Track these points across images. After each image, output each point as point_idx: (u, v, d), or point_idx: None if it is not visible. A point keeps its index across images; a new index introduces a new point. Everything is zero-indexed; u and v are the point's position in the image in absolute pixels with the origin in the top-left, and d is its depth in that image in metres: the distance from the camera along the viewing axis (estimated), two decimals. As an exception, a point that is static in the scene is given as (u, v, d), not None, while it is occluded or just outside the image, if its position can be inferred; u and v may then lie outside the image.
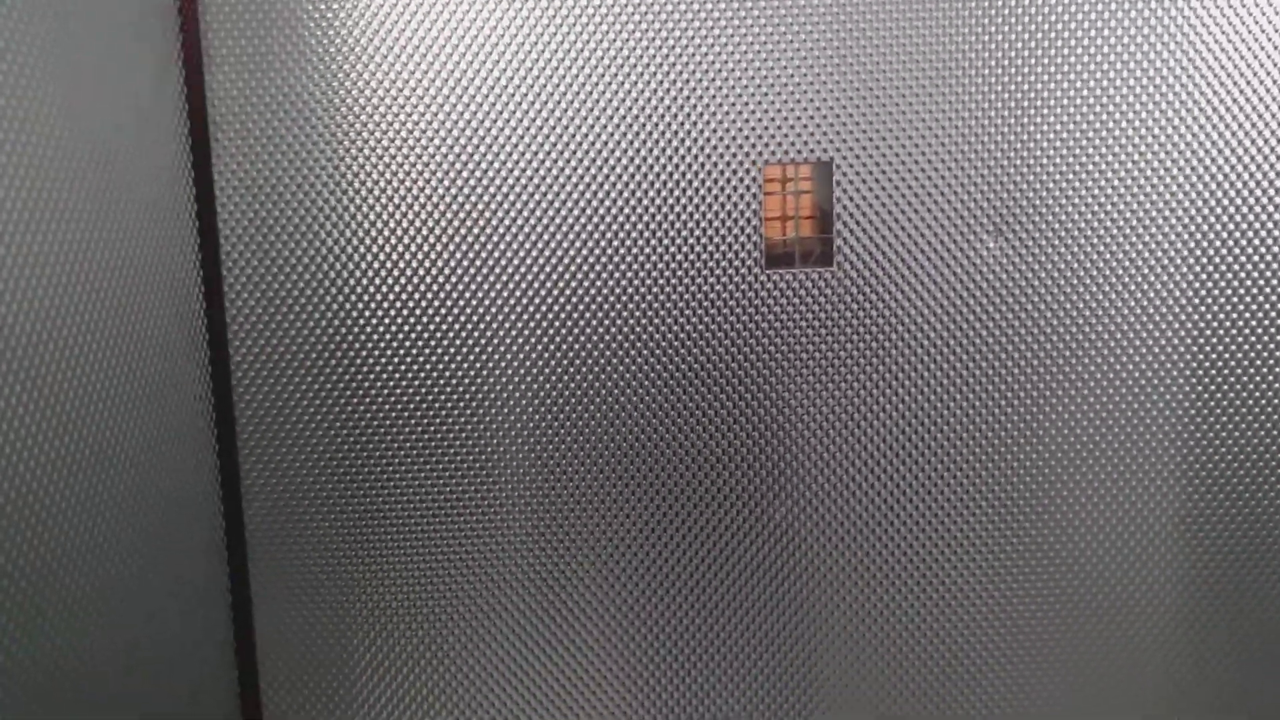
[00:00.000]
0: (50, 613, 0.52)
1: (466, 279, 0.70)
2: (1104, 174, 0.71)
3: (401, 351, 0.71)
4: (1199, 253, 0.72)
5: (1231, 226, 0.72)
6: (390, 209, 0.69)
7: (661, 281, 0.71)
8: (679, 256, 0.71)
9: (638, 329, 0.72)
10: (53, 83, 0.54)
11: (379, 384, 0.71)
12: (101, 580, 0.56)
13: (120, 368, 0.59)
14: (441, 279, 0.70)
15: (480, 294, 0.71)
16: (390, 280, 0.70)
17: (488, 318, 0.71)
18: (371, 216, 0.69)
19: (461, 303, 0.71)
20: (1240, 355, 0.73)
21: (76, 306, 0.55)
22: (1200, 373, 0.73)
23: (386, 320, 0.71)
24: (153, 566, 0.62)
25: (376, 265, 0.70)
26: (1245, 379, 0.73)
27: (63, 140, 0.54)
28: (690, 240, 0.71)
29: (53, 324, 0.52)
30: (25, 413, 0.50)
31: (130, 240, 0.61)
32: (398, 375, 0.71)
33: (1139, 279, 0.72)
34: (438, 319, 0.71)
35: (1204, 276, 0.72)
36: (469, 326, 0.71)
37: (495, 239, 0.70)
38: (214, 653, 0.70)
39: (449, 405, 0.72)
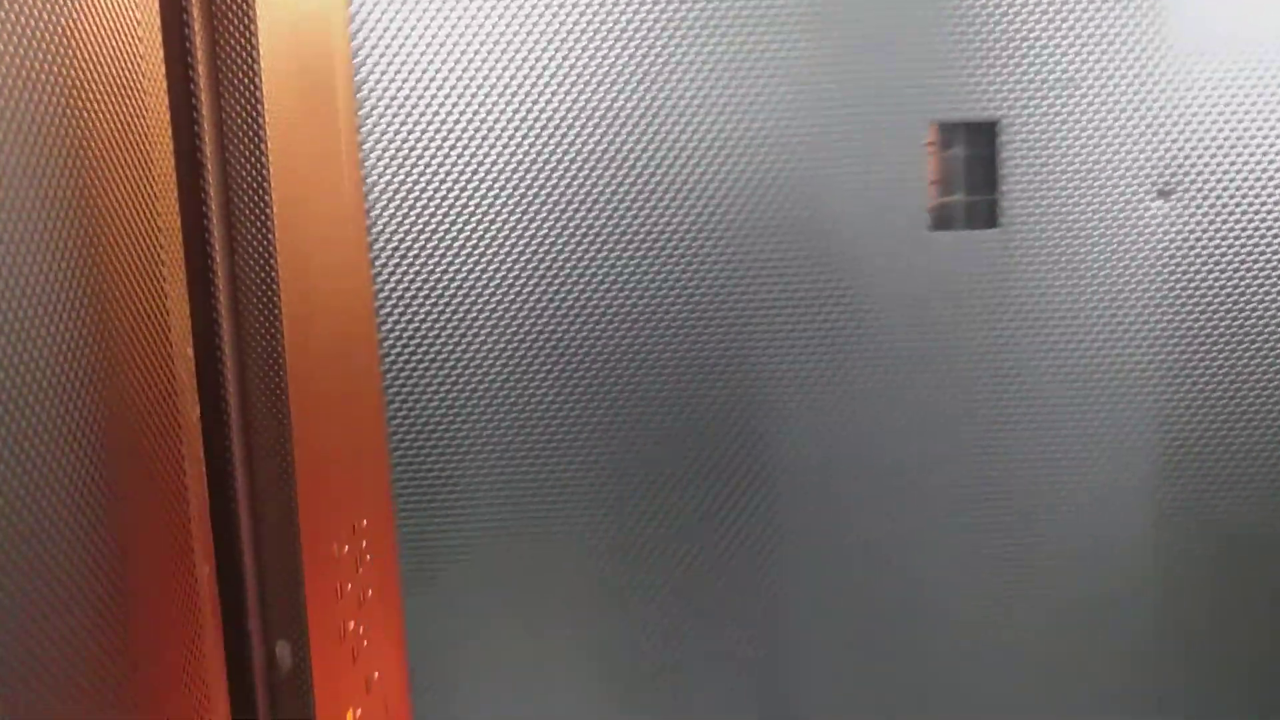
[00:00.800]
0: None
1: (627, 254, 0.68)
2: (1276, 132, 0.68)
3: (560, 333, 0.68)
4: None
5: None
6: (538, 184, 0.67)
7: (825, 243, 0.69)
8: (842, 217, 0.68)
9: (800, 291, 0.69)
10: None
11: (534, 370, 0.69)
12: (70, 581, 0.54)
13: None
14: (603, 256, 0.68)
15: (646, 264, 0.68)
16: (544, 260, 0.68)
17: (652, 289, 0.68)
18: (526, 193, 0.67)
19: (624, 277, 0.68)
20: None
21: (75, 301, 0.54)
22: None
23: (541, 303, 0.68)
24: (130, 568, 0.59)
25: (530, 242, 0.68)
26: None
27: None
28: (854, 200, 0.68)
29: (49, 319, 0.52)
30: (19, 409, 0.49)
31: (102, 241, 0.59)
32: (551, 360, 0.69)
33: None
34: (596, 297, 0.68)
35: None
36: (633, 299, 0.68)
37: (663, 204, 0.68)
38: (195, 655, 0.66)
39: (609, 387, 0.69)
